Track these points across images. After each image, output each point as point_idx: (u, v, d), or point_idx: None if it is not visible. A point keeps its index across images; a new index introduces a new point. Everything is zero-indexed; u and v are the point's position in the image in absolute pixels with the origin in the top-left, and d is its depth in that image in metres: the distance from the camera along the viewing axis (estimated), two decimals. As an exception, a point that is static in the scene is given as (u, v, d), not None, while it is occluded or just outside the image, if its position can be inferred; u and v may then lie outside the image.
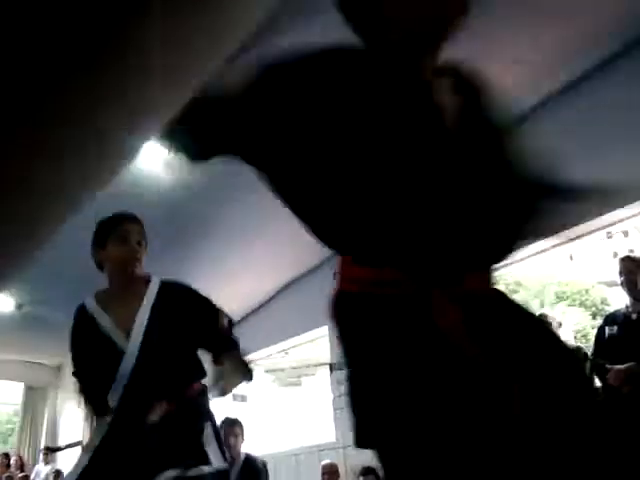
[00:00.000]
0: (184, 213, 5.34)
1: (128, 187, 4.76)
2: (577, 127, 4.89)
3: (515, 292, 20.44)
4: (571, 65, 5.00)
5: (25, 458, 10.88)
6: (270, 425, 8.42)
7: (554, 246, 5.24)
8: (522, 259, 5.56)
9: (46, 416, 12.09)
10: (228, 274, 6.68)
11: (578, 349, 4.53)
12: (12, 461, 10.36)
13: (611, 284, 18.28)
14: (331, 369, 6.45)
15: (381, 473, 1.28)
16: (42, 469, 10.24)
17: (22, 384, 12.18)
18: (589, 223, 4.85)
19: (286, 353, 12.71)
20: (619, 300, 4.42)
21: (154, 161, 4.48)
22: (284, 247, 6.41)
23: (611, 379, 3.80)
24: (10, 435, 16.20)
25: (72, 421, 11.34)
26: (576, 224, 4.86)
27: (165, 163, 4.55)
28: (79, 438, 10.76)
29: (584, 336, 14.02)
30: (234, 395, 7.79)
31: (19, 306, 7.29)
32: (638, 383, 3.74)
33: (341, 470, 6.00)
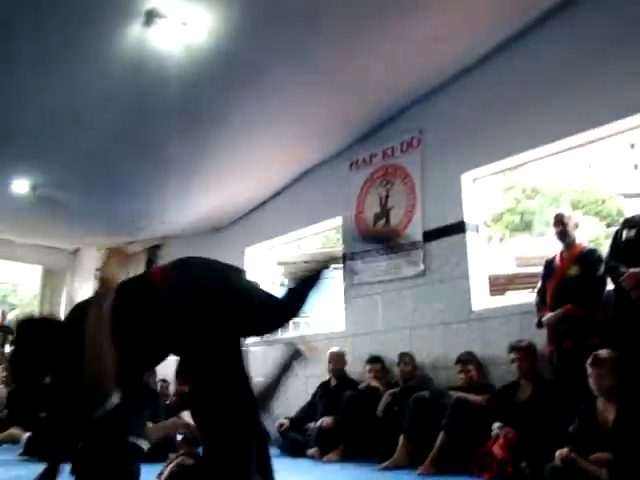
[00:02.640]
0: (199, 96, 5.19)
1: (143, 65, 4.63)
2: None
3: (531, 198, 20.28)
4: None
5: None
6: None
7: (571, 148, 5.08)
8: (539, 158, 5.42)
9: (64, 298, 12.42)
10: (241, 163, 6.59)
11: (592, 251, 4.46)
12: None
13: (629, 196, 18.07)
14: (344, 259, 6.47)
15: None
16: (61, 348, 10.60)
17: (40, 267, 12.46)
18: (608, 126, 4.68)
19: (298, 247, 12.82)
20: (636, 212, 4.30)
21: (170, 40, 4.30)
22: (299, 136, 6.28)
23: (624, 282, 3.77)
24: (31, 317, 16.71)
25: (89, 304, 11.63)
26: (594, 127, 4.72)
27: (182, 42, 4.37)
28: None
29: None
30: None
31: (34, 188, 7.26)
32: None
33: (349, 357, 6.13)
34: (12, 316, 19.00)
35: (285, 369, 2.60)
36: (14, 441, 6.33)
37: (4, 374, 8.57)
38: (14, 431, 6.55)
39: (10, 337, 10.72)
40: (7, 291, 25.39)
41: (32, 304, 18.24)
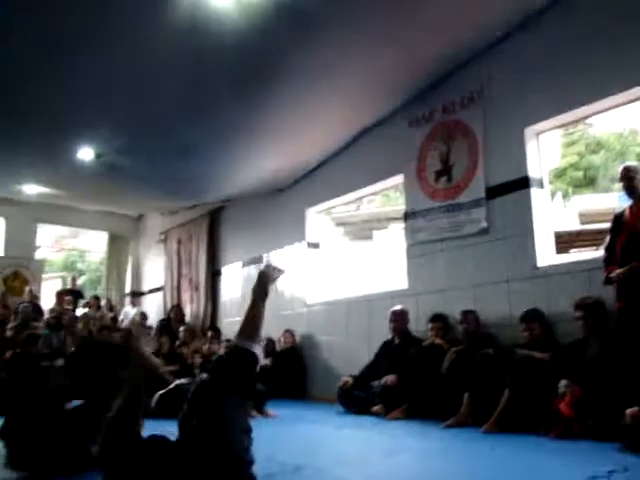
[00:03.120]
0: (256, 55, 5.17)
1: (199, 26, 4.63)
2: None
3: (595, 153, 19.61)
4: None
5: (113, 301, 11.65)
6: (343, 273, 8.61)
7: (638, 99, 4.86)
8: (604, 110, 5.21)
9: (129, 263, 12.80)
10: (301, 123, 6.58)
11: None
12: (102, 303, 11.12)
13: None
14: (405, 217, 6.43)
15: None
16: (129, 311, 11.00)
17: (106, 234, 12.84)
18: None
19: (357, 207, 12.80)
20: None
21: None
22: (359, 94, 6.21)
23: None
24: (99, 282, 17.30)
25: (153, 267, 11.96)
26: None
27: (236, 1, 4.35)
28: (161, 283, 11.41)
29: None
30: (308, 242, 7.96)
31: (98, 155, 7.43)
32: None
33: (412, 316, 6.13)
34: (81, 281, 19.74)
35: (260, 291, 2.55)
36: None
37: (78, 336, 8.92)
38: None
39: (81, 300, 11.16)
40: (75, 258, 26.25)
41: (99, 270, 18.83)
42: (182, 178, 8.21)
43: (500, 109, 5.71)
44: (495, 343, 5.12)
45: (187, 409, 2.34)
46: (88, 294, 12.90)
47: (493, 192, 5.68)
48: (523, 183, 5.44)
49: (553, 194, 14.33)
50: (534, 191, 5.42)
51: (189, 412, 2.32)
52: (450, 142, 6.13)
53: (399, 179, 6.80)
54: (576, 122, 6.19)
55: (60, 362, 7.48)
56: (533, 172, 5.45)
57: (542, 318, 4.92)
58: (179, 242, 10.92)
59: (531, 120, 5.46)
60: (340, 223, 10.09)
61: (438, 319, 5.82)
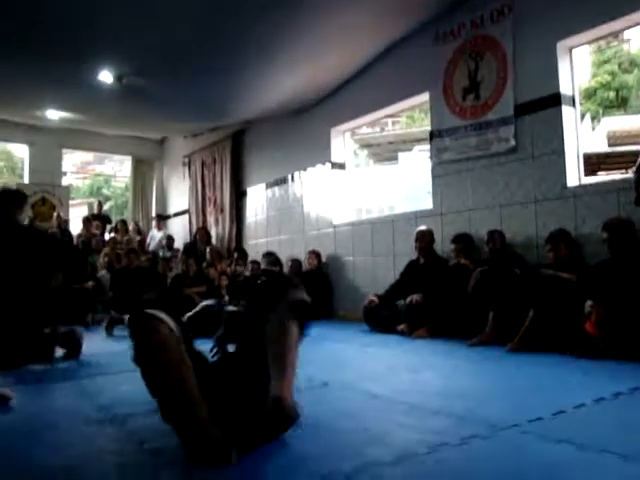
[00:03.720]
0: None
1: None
2: None
3: (628, 72, 18.96)
4: None
5: (140, 225, 11.81)
6: (368, 194, 8.58)
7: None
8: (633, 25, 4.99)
9: (154, 187, 12.88)
10: (323, 42, 6.40)
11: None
12: (130, 227, 11.28)
13: None
14: (431, 137, 6.33)
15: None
16: (156, 234, 11.15)
17: (130, 158, 12.88)
18: None
19: (382, 129, 12.67)
20: None
21: None
22: (382, 10, 5.98)
23: None
24: (125, 207, 17.49)
25: (178, 191, 12.03)
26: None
27: None
28: (186, 207, 11.50)
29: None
30: (332, 163, 7.91)
31: (119, 78, 7.36)
32: None
33: (437, 236, 6.12)
34: (107, 207, 19.97)
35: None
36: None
37: (106, 259, 9.09)
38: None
39: (108, 225, 11.32)
40: (101, 183, 26.50)
41: (125, 195, 19.00)
42: (202, 99, 8.12)
43: (531, 23, 5.49)
44: (521, 263, 5.11)
45: (224, 333, 2.37)
46: (114, 219, 13.08)
47: (522, 110, 5.53)
48: (554, 100, 5.28)
49: (582, 116, 13.99)
50: (565, 109, 5.27)
51: (226, 335, 2.35)
52: (478, 59, 5.94)
53: (425, 97, 6.64)
54: (611, 36, 5.95)
55: (90, 284, 7.67)
56: (565, 89, 5.28)
57: (568, 238, 4.88)
58: (203, 165, 10.92)
59: (563, 34, 5.25)
60: (365, 145, 10.00)
61: (460, 239, 5.80)
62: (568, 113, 5.29)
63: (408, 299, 5.72)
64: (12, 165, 21.49)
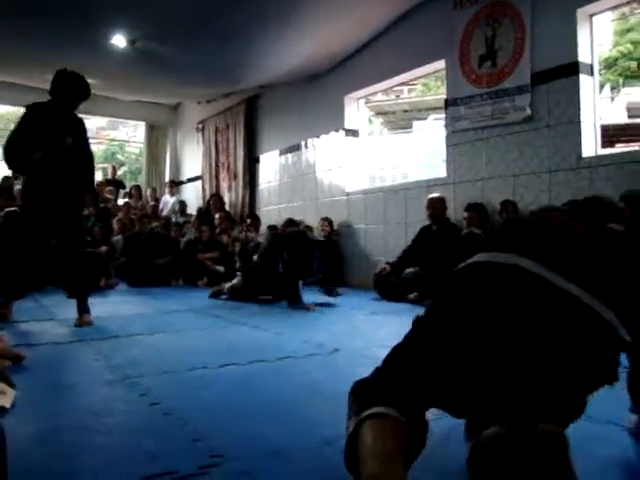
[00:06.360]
0: None
1: None
2: None
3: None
4: None
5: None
6: (381, 162, 8.53)
7: None
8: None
9: (168, 153, 12.88)
10: (337, 5, 6.30)
11: None
12: (147, 192, 11.34)
13: None
14: (446, 105, 6.25)
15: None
16: (169, 200, 11.18)
17: (144, 124, 12.85)
18: None
19: (397, 97, 12.54)
20: None
21: None
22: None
23: None
24: (139, 173, 17.51)
25: (192, 157, 12.02)
26: None
27: None
28: (199, 172, 11.50)
29: None
30: (346, 130, 7.85)
31: (132, 42, 7.31)
32: None
33: (450, 205, 6.10)
34: (121, 172, 20.00)
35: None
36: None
37: (120, 224, 9.15)
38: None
39: (121, 190, 11.35)
40: (115, 149, 26.52)
41: (139, 160, 19.00)
42: (216, 64, 8.05)
43: (550, -12, 5.38)
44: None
45: None
46: (128, 184, 13.10)
47: (539, 78, 5.45)
48: (572, 69, 5.20)
49: (602, 86, 13.75)
50: (583, 78, 5.19)
51: None
52: (496, 25, 5.84)
53: (440, 65, 6.55)
54: (636, 1, 5.81)
55: (103, 249, 7.74)
56: (583, 57, 5.19)
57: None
58: (217, 131, 10.88)
59: (583, 0, 5.14)
60: (379, 112, 9.90)
61: (473, 208, 5.78)
62: (586, 82, 5.21)
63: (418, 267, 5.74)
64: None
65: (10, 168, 4.42)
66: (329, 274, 5.82)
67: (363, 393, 1.34)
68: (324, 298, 5.77)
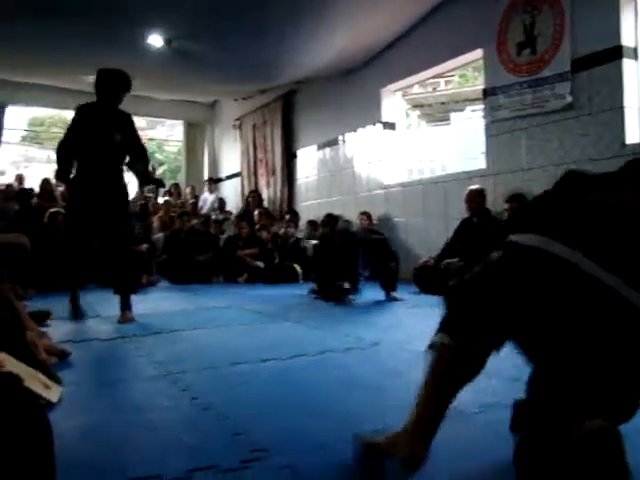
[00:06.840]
0: None
1: None
2: None
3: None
4: None
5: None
6: (419, 155, 8.46)
7: None
8: None
9: (206, 151, 12.98)
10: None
11: None
12: (188, 190, 11.46)
13: None
14: (485, 95, 6.16)
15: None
16: (208, 197, 11.28)
17: (182, 122, 12.98)
18: None
19: (434, 89, 12.41)
20: None
21: None
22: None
23: None
24: (178, 171, 17.69)
25: (230, 154, 12.10)
26: None
27: None
28: (238, 169, 11.56)
29: None
30: (383, 123, 7.80)
31: (168, 41, 7.38)
32: None
33: (490, 196, 6.00)
34: (160, 171, 20.23)
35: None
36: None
37: (160, 222, 9.27)
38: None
39: (160, 189, 11.48)
40: (154, 148, 26.82)
41: (177, 159, 19.20)
42: (252, 61, 8.08)
43: (592, -29, 5.25)
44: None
45: None
46: (168, 183, 13.25)
47: (580, 64, 5.32)
48: (615, 53, 5.06)
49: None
50: (626, 62, 5.05)
51: None
52: (535, 11, 5.71)
53: (478, 54, 6.45)
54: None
55: (145, 247, 7.84)
56: (627, 41, 5.05)
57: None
58: (254, 127, 10.92)
59: (628, -18, 5.01)
60: (416, 105, 9.80)
61: (515, 199, 5.65)
62: (630, 67, 5.07)
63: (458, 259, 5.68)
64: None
65: (57, 179, 4.61)
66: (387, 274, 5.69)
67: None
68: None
